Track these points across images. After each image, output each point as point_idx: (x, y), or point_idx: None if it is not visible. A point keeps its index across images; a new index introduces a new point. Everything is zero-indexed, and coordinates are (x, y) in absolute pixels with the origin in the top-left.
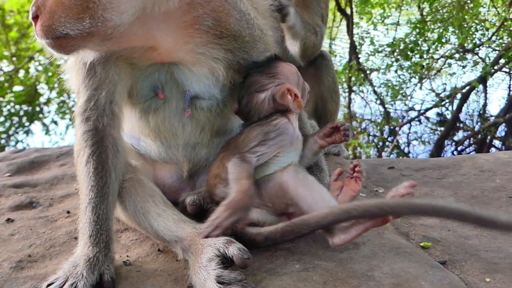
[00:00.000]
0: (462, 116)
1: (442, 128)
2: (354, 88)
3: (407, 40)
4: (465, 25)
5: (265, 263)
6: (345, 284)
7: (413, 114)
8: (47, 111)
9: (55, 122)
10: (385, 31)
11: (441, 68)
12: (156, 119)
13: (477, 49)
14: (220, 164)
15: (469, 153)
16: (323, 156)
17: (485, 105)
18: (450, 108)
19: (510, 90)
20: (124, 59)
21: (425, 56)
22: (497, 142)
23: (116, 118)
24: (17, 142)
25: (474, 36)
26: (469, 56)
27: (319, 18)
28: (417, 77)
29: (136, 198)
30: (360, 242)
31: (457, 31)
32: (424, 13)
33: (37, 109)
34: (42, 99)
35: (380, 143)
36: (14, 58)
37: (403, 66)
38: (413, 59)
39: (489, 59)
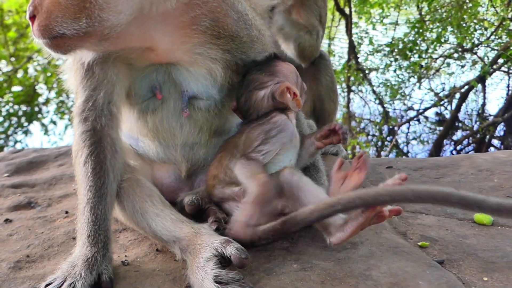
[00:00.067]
0: (461, 115)
1: (441, 128)
2: (353, 87)
3: (406, 39)
4: (464, 25)
5: (263, 262)
6: (343, 284)
7: (412, 113)
8: (46, 111)
9: (54, 122)
10: (384, 31)
11: (440, 68)
12: (154, 119)
13: (476, 48)
14: (219, 164)
15: (468, 152)
16: (320, 156)
17: (484, 104)
18: (449, 107)
19: (508, 90)
20: (122, 59)
21: (424, 55)
22: (496, 142)
23: (114, 119)
24: (15, 142)
25: (472, 35)
26: (468, 55)
27: (317, 17)
28: (416, 76)
29: (134, 198)
30: (358, 242)
31: (455, 31)
32: (423, 13)
33: (36, 109)
34: (41, 99)
35: (379, 143)
36: (12, 58)
37: (402, 66)
38: (412, 59)
39: (488, 59)
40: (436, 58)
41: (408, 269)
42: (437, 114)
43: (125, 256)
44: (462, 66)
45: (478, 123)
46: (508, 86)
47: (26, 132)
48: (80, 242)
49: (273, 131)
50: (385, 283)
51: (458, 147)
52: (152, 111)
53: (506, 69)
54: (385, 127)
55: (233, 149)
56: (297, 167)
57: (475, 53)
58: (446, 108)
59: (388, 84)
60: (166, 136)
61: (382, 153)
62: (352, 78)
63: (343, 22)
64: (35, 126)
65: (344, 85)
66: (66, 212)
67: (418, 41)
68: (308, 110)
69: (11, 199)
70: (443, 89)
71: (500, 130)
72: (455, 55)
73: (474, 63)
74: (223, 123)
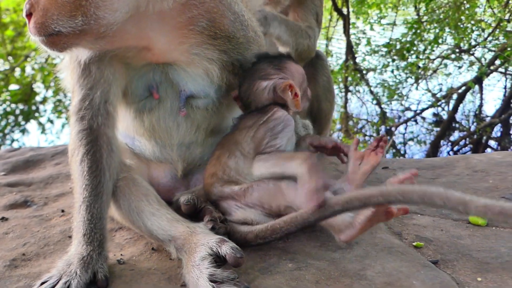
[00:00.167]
0: (458, 116)
1: (438, 128)
2: (351, 88)
3: (403, 40)
4: (461, 26)
5: (258, 262)
6: (338, 283)
7: (409, 114)
8: (43, 110)
9: (51, 121)
10: (382, 31)
11: (437, 69)
12: (151, 118)
13: (473, 49)
14: (217, 162)
15: (464, 153)
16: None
17: (481, 105)
18: (446, 108)
19: (505, 91)
20: (118, 58)
21: (421, 56)
22: (492, 143)
23: (110, 118)
24: (12, 141)
25: (470, 36)
26: (465, 56)
27: (314, 16)
28: (413, 77)
29: (130, 197)
30: (353, 242)
31: (453, 32)
32: (421, 14)
33: (33, 108)
34: (38, 98)
35: None
36: (10, 57)
37: (399, 66)
38: (410, 59)
39: (485, 60)
40: (434, 59)
41: (402, 269)
42: (434, 114)
43: (121, 254)
44: (460, 67)
45: (475, 124)
46: (505, 87)
47: (23, 131)
48: (75, 240)
49: (278, 127)
50: (380, 283)
51: (455, 148)
52: (149, 111)
53: (503, 70)
54: (383, 128)
55: (232, 146)
56: None
57: (473, 54)
58: (443, 109)
59: (386, 84)
60: (163, 135)
61: None
62: (349, 79)
63: (340, 22)
64: (32, 125)
65: (341, 85)
66: (62, 211)
67: (415, 42)
68: (305, 110)
69: (7, 198)
70: (441, 90)
71: (497, 131)
72: (453, 56)
73: (471, 64)
74: (220, 121)
